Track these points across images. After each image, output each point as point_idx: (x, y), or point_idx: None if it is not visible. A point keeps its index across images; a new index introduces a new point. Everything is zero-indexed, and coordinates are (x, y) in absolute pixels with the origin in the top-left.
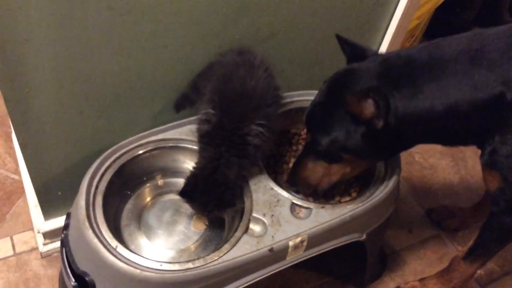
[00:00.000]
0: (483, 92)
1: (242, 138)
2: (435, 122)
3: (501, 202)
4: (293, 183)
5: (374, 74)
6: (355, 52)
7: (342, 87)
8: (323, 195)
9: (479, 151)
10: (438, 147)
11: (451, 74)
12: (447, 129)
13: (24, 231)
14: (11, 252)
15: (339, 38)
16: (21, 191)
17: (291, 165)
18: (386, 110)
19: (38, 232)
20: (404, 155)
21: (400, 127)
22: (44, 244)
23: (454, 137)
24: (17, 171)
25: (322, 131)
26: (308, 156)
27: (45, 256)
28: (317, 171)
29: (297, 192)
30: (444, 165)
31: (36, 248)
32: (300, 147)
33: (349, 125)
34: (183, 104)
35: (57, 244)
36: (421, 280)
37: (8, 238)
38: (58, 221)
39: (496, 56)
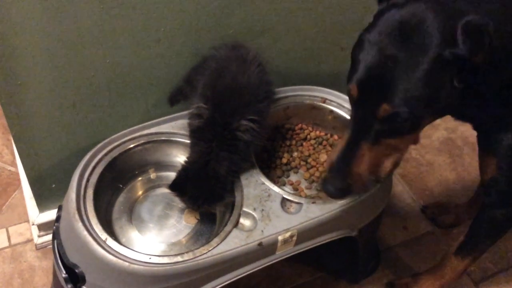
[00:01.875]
0: None
1: (233, 133)
2: None
3: (493, 193)
4: (343, 191)
5: (453, 3)
6: None
7: (419, 32)
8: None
9: (476, 149)
10: (435, 144)
11: None
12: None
13: (20, 223)
14: (6, 244)
15: None
16: (18, 183)
17: (284, 160)
18: (490, 46)
19: (33, 224)
20: None
21: (495, 59)
22: (39, 236)
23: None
24: (14, 163)
25: (408, 94)
26: (367, 141)
27: (40, 248)
28: (378, 155)
29: (341, 195)
30: (441, 162)
31: (31, 240)
32: (294, 142)
33: (444, 74)
34: (177, 98)
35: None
36: (413, 276)
37: (4, 230)
38: (53, 214)
39: None
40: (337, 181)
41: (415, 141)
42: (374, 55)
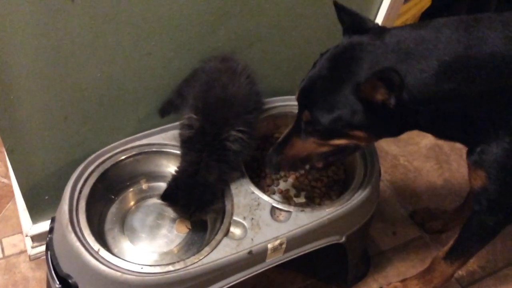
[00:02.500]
0: (493, 78)
1: (222, 143)
2: (444, 103)
3: (484, 201)
4: (276, 165)
5: (383, 50)
6: (354, 22)
7: (349, 64)
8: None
9: (463, 155)
10: (423, 151)
11: (466, 56)
12: (454, 114)
13: (13, 234)
14: (0, 255)
15: (337, 6)
16: (11, 195)
17: None
18: (400, 90)
19: (27, 235)
20: (389, 158)
21: (412, 105)
22: (33, 247)
23: (456, 126)
24: (7, 175)
25: (324, 109)
26: (299, 134)
27: (33, 259)
28: (307, 149)
29: (275, 168)
30: (429, 168)
31: (25, 251)
32: None
33: (356, 104)
34: (168, 110)
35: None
36: (403, 281)
37: None
38: (46, 225)
39: (495, 39)
40: (272, 157)
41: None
42: (314, 72)
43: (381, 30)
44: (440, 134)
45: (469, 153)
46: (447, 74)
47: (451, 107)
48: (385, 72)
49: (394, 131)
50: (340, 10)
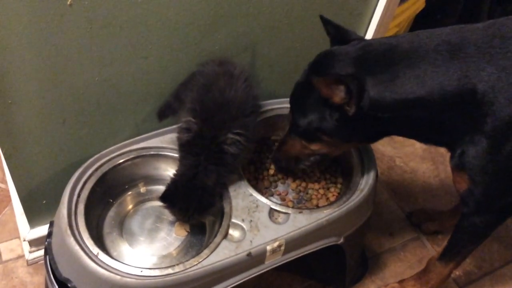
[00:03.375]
0: (456, 84)
1: (220, 146)
2: (408, 111)
3: (471, 203)
4: (276, 159)
5: (351, 58)
6: (339, 34)
7: (319, 70)
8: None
9: (450, 166)
10: (419, 152)
11: (428, 64)
12: (420, 121)
13: (10, 239)
14: None
15: (323, 19)
16: (8, 200)
17: (271, 171)
18: (359, 97)
19: (24, 240)
20: (385, 160)
21: (374, 113)
22: (30, 252)
23: (427, 132)
24: (4, 180)
25: (300, 112)
26: (291, 135)
27: (31, 263)
28: (298, 149)
29: (280, 169)
30: (425, 169)
31: (23, 256)
32: None
33: (324, 108)
34: (166, 113)
35: (43, 251)
36: (400, 282)
37: None
38: (44, 229)
39: (473, 51)
40: (275, 157)
41: (330, 152)
42: (299, 78)
43: (359, 41)
44: (416, 138)
45: (451, 157)
46: (409, 86)
47: (417, 115)
48: (343, 77)
49: (366, 138)
50: (326, 23)
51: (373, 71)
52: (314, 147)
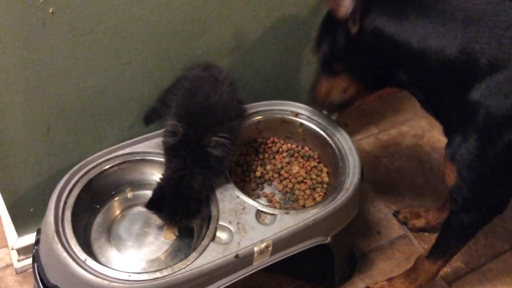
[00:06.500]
0: (456, 56)
1: (205, 149)
2: (407, 58)
3: (459, 200)
4: (314, 100)
5: None
6: None
7: None
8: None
9: (443, 154)
10: (405, 151)
11: (440, 23)
12: (418, 76)
13: None
14: None
15: None
16: None
17: (258, 173)
18: (361, 13)
19: (12, 249)
20: (371, 159)
21: (375, 41)
22: (19, 260)
23: (424, 93)
24: None
25: (321, 40)
26: (320, 73)
27: (20, 272)
28: (325, 84)
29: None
30: (410, 168)
31: (11, 265)
32: (267, 155)
33: (336, 30)
34: (152, 118)
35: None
36: (389, 280)
37: None
38: (32, 237)
39: (487, 33)
40: (312, 98)
41: (346, 90)
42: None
43: None
44: (416, 97)
45: (446, 145)
46: (413, 35)
47: (415, 67)
48: None
49: (372, 75)
50: None
51: (385, 3)
52: (339, 82)
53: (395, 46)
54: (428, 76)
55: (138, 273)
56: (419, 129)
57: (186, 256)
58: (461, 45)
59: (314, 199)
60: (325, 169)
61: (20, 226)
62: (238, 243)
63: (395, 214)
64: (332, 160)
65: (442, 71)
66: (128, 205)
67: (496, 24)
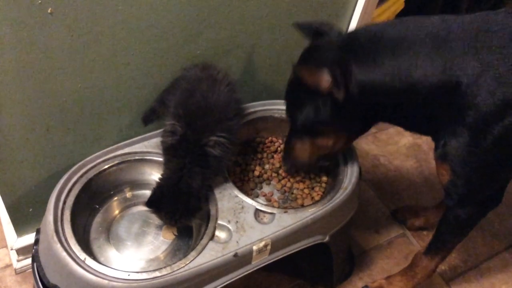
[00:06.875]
0: (440, 77)
1: (203, 149)
2: (394, 98)
3: (454, 196)
4: (286, 163)
5: (335, 47)
6: (315, 30)
7: (306, 62)
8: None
9: (434, 157)
10: (403, 150)
11: (413, 55)
12: (406, 108)
13: None
14: None
15: (296, 25)
16: None
17: (256, 173)
18: (345, 80)
19: (12, 249)
20: (369, 158)
21: (364, 99)
22: (18, 261)
23: (413, 120)
24: None
25: (296, 108)
26: (293, 134)
27: (19, 272)
28: (304, 148)
29: (290, 171)
30: (408, 167)
31: (10, 265)
32: (265, 154)
33: (316, 99)
34: (151, 118)
35: (30, 259)
36: (387, 278)
37: None
38: (31, 238)
39: (458, 45)
40: (284, 162)
41: (334, 144)
42: (289, 79)
43: (339, 33)
44: (403, 126)
45: (435, 148)
46: (395, 72)
47: (403, 102)
48: (325, 62)
49: (361, 125)
50: (299, 27)
51: (359, 57)
52: (320, 141)
53: (382, 91)
54: (415, 105)
55: (137, 272)
56: None
57: (185, 255)
58: (440, 67)
59: (312, 198)
60: (323, 169)
61: (19, 227)
62: (237, 242)
63: (393, 213)
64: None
65: (429, 96)
66: (127, 205)
67: (465, 37)
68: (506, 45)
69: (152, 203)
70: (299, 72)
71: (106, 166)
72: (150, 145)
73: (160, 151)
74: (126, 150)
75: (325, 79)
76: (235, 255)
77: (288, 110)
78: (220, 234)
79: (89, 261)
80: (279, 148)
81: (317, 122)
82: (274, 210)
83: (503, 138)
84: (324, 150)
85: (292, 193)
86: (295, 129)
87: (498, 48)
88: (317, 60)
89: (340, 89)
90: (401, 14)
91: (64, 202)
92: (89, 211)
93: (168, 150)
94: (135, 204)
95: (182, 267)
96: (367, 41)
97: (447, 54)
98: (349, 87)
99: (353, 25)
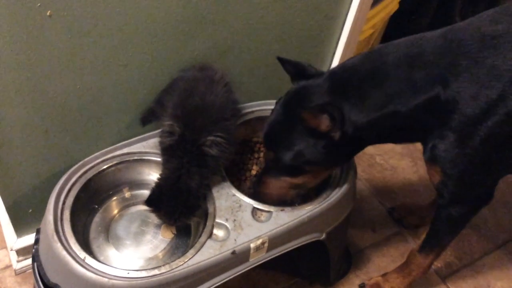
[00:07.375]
0: (422, 94)
1: (201, 149)
2: (385, 124)
3: (445, 195)
4: (257, 196)
5: (324, 89)
6: (298, 70)
7: (297, 105)
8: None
9: (424, 159)
10: (398, 149)
11: (392, 80)
12: (396, 130)
13: None
14: None
15: (280, 60)
16: None
17: (253, 172)
18: (342, 122)
19: (11, 250)
20: (365, 158)
21: (356, 134)
22: (18, 261)
23: (402, 136)
24: None
25: (284, 148)
26: (270, 173)
27: (19, 273)
28: (281, 186)
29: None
30: (404, 166)
31: (10, 266)
32: (262, 154)
33: (309, 139)
34: (149, 118)
35: (30, 260)
36: (383, 275)
37: None
38: (31, 238)
39: (432, 59)
40: (257, 198)
41: (313, 181)
42: (271, 119)
43: (322, 73)
44: (392, 142)
45: (424, 151)
46: (382, 104)
47: (392, 125)
48: (326, 106)
49: (346, 159)
50: (284, 63)
51: (345, 96)
52: (299, 180)
53: (373, 124)
54: (403, 125)
55: (136, 270)
56: None
57: (184, 253)
58: (420, 83)
59: (309, 196)
60: None
61: (19, 227)
62: (235, 240)
63: (390, 211)
64: None
65: (416, 113)
66: (126, 205)
67: (438, 50)
68: (478, 51)
69: (152, 202)
70: (304, 114)
71: (105, 167)
72: (148, 145)
73: (159, 151)
74: (125, 150)
75: (325, 123)
76: (233, 252)
77: (271, 149)
78: (218, 232)
79: (89, 259)
80: None
81: (306, 161)
82: (271, 208)
83: (490, 138)
84: (303, 187)
85: None
86: (276, 167)
87: (472, 55)
88: (313, 103)
89: (338, 130)
90: (396, 15)
91: (64, 203)
92: (88, 211)
93: (166, 150)
94: (134, 204)
95: (180, 265)
96: (347, 79)
97: (423, 70)
98: (344, 127)
99: (347, 27)
